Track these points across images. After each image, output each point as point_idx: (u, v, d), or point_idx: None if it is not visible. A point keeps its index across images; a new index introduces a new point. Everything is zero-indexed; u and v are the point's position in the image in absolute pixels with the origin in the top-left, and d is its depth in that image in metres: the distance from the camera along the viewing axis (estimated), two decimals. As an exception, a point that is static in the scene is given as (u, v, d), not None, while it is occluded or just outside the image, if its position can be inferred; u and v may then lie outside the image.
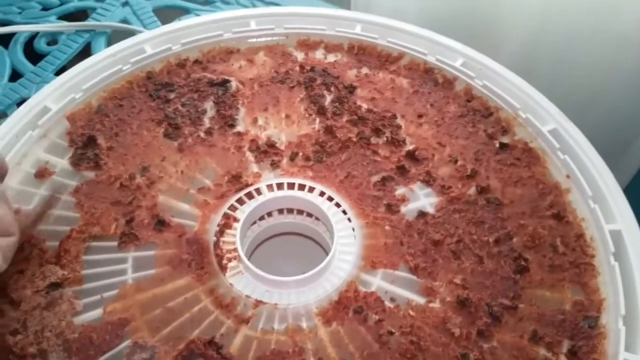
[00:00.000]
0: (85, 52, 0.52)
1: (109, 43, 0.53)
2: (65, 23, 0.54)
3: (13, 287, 0.29)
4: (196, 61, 0.41)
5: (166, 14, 0.56)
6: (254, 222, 0.35)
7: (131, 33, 0.50)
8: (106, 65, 0.39)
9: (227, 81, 0.40)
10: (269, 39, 0.43)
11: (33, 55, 0.52)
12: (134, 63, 0.40)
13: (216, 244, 0.31)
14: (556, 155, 0.34)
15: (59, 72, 0.49)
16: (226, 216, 0.32)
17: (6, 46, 0.52)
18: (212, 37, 0.42)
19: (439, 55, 0.41)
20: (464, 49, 0.40)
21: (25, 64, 0.51)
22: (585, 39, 0.55)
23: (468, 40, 0.41)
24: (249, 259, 0.31)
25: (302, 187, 0.34)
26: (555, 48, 0.56)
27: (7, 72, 0.50)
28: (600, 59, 0.56)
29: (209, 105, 0.38)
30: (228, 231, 0.32)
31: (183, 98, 0.39)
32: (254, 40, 0.43)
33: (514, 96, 0.37)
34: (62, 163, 0.34)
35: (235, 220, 0.32)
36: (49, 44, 0.53)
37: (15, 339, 0.27)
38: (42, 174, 0.33)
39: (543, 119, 0.36)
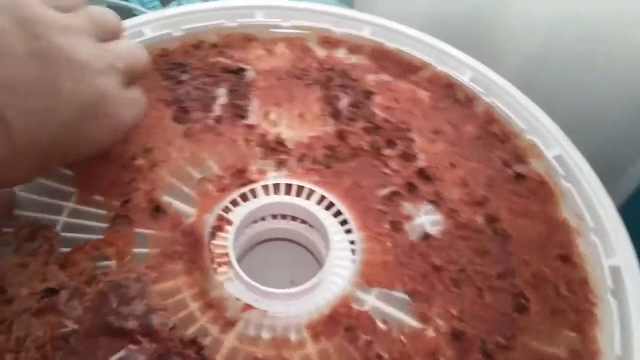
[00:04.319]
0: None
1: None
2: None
3: (11, 280, 0.26)
4: (213, 45, 0.40)
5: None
6: (248, 226, 0.33)
7: (127, 11, 0.49)
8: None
9: (243, 69, 0.38)
10: (291, 31, 0.42)
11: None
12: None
13: (208, 246, 0.30)
14: (560, 183, 0.34)
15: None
16: (219, 218, 0.31)
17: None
18: (215, 25, 0.41)
19: (447, 66, 0.40)
20: (471, 61, 0.40)
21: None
22: (588, 57, 0.53)
23: (468, 50, 0.40)
24: (241, 261, 0.29)
25: (301, 189, 0.33)
26: (557, 65, 0.55)
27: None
28: (602, 78, 0.54)
29: (221, 92, 0.37)
30: (220, 234, 0.31)
31: (195, 81, 0.37)
32: (275, 30, 0.42)
33: (521, 117, 0.37)
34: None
35: (229, 223, 0.31)
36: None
37: None
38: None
39: (548, 143, 0.35)
